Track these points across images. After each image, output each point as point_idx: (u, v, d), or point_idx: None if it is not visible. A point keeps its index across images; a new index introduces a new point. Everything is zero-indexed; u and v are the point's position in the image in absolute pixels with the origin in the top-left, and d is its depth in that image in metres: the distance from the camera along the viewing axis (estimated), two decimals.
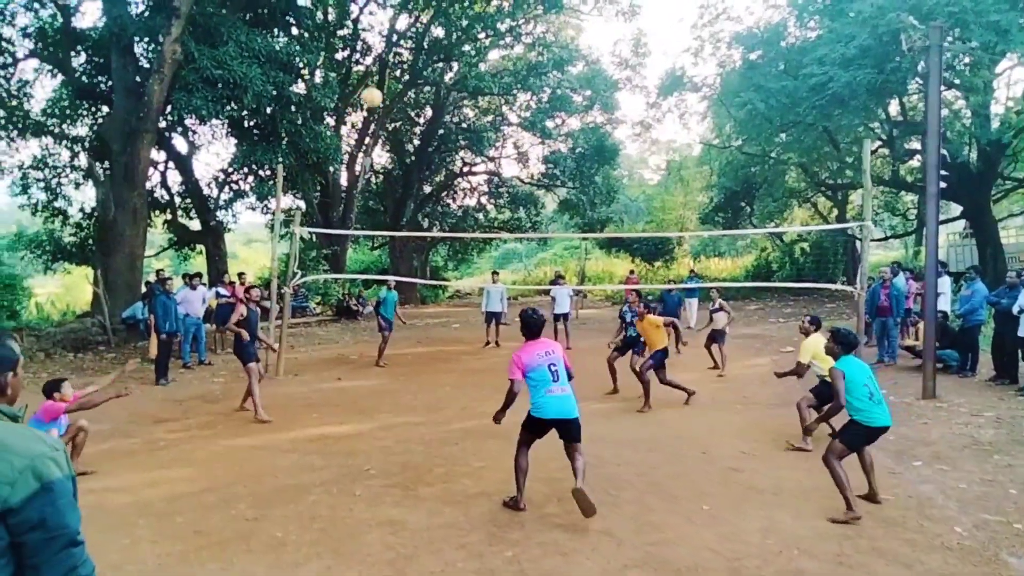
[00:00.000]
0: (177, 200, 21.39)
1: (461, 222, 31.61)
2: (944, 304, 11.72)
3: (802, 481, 6.06)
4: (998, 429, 7.79)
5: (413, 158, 29.32)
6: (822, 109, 17.95)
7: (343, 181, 25.04)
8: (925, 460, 6.77)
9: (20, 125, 18.43)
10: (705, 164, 31.85)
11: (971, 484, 6.04)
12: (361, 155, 25.17)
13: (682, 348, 11.76)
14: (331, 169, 22.65)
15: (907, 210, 30.53)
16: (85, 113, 19.64)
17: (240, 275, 15.36)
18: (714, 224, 29.80)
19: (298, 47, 17.94)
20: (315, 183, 22.90)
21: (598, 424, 8.22)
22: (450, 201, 33.04)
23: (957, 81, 17.68)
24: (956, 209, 23.23)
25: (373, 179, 30.10)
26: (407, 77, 25.56)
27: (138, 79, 16.57)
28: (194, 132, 20.44)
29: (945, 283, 12.14)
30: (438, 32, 24.38)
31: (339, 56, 23.57)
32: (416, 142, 29.93)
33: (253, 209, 21.42)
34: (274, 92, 16.15)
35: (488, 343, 15.38)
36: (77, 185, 20.15)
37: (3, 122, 18.08)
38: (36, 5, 17.82)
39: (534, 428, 5.46)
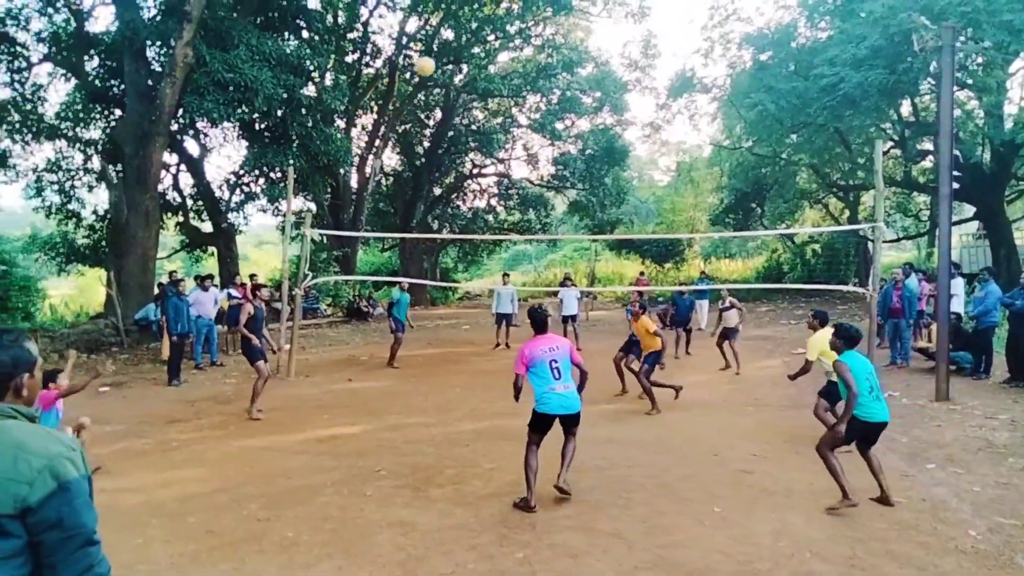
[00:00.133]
0: (189, 202, 21.57)
1: (471, 224, 31.65)
2: (957, 306, 11.63)
3: (813, 483, 6.01)
4: (1013, 432, 7.72)
5: (423, 160, 29.39)
6: (833, 110, 17.86)
7: (353, 183, 25.13)
8: (938, 463, 6.71)
9: (34, 129, 18.66)
10: (715, 165, 31.74)
11: (985, 487, 5.99)
12: (371, 157, 25.27)
13: (692, 351, 11.75)
14: (341, 171, 22.74)
15: (919, 211, 30.32)
16: (98, 117, 19.85)
17: (252, 276, 15.45)
18: (725, 225, 29.68)
19: (308, 50, 18.05)
20: (326, 185, 23.01)
21: (608, 426, 8.21)
22: (460, 203, 33.09)
23: (970, 81, 17.53)
24: (969, 210, 23.05)
25: (383, 181, 30.20)
26: (417, 79, 25.63)
27: (150, 83, 16.72)
28: (205, 135, 20.63)
29: (958, 284, 12.04)
30: (448, 34, 24.46)
31: (349, 59, 23.70)
32: (426, 144, 30.00)
33: (264, 211, 21.61)
34: (285, 95, 16.25)
35: (498, 345, 15.38)
36: (90, 188, 20.37)
37: (18, 126, 18.30)
38: (50, 10, 18.02)
39: (540, 425, 5.61)
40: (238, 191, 20.82)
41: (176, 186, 21.24)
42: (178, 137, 19.28)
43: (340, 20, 22.33)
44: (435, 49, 24.18)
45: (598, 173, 28.65)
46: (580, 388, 5.78)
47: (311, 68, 18.42)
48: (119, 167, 16.88)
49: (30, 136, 18.72)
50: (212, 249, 22.06)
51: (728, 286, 15.60)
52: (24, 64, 18.30)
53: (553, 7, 23.45)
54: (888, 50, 16.04)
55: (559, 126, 29.07)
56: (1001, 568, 4.47)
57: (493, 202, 32.74)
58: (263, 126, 18.74)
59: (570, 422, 5.67)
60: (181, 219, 21.52)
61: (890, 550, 4.72)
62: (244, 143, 20.10)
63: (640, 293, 9.78)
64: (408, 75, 25.89)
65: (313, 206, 23.05)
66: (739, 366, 11.78)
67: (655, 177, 54.08)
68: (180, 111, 16.13)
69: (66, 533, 1.78)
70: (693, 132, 40.59)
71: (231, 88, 15.47)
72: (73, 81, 19.09)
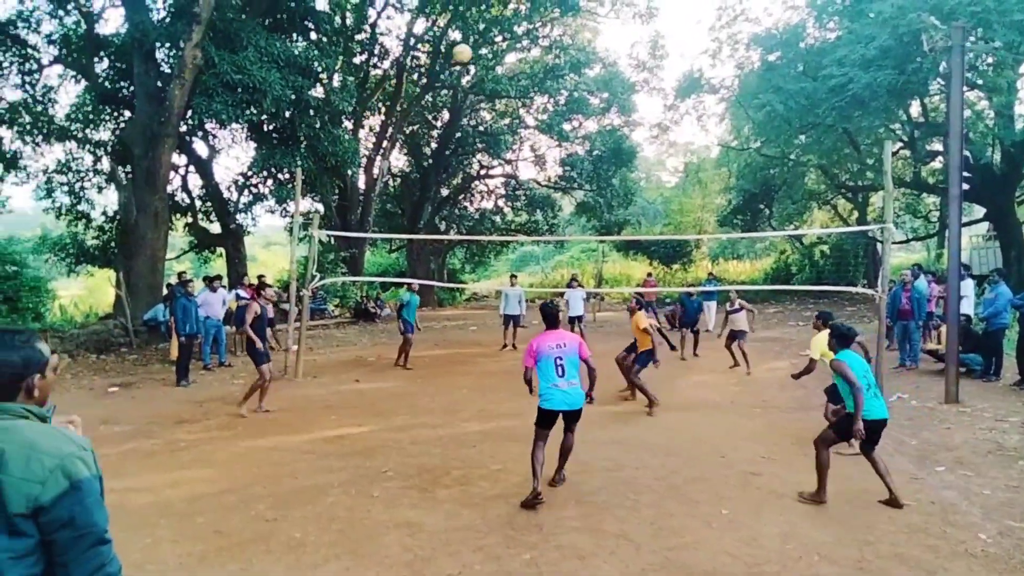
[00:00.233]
0: (198, 203, 21.67)
1: (478, 225, 31.69)
2: (967, 307, 11.54)
3: None
4: (1023, 434, 7.66)
5: (430, 161, 29.44)
6: (842, 111, 17.77)
7: (361, 184, 25.21)
8: (948, 465, 6.67)
9: (45, 130, 18.78)
10: (723, 166, 31.68)
11: (995, 490, 5.95)
12: (379, 158, 25.33)
13: (700, 353, 11.71)
14: (349, 172, 22.83)
15: (929, 212, 30.16)
16: (108, 118, 19.97)
17: (260, 277, 15.50)
18: (732, 226, 29.60)
19: (316, 51, 18.11)
20: (333, 186, 23.10)
21: (616, 427, 8.19)
22: (467, 204, 33.12)
23: (980, 81, 17.42)
24: (979, 211, 22.89)
25: (391, 182, 30.27)
26: (424, 80, 25.71)
27: (159, 84, 16.82)
28: (214, 136, 20.72)
29: (968, 286, 11.96)
30: (455, 35, 24.50)
31: (357, 60, 23.79)
32: (433, 145, 30.06)
33: (272, 212, 21.71)
34: (293, 96, 16.31)
35: (505, 346, 15.38)
36: (100, 189, 20.48)
37: (28, 127, 18.43)
38: (60, 12, 18.16)
39: (544, 421, 5.73)
40: (246, 192, 20.91)
41: (185, 187, 21.34)
42: (187, 138, 19.38)
43: (348, 21, 22.43)
44: (442, 50, 24.24)
45: (605, 174, 28.64)
46: (591, 385, 5.83)
47: (319, 69, 18.48)
48: (128, 168, 16.99)
49: (40, 137, 18.84)
50: (220, 250, 22.16)
51: (736, 287, 15.57)
52: (35, 66, 18.46)
53: (560, 8, 23.47)
54: (897, 50, 15.95)
55: (566, 127, 29.08)
56: (1011, 572, 4.44)
57: (500, 203, 32.79)
58: (271, 127, 18.81)
59: (571, 418, 5.83)
60: (190, 220, 21.62)
61: (899, 553, 4.69)
62: (252, 144, 20.18)
63: (640, 295, 9.75)
64: (416, 76, 25.96)
65: (321, 207, 23.15)
66: (749, 366, 11.74)
67: (663, 178, 54.03)
68: (189, 112, 16.21)
69: (78, 532, 1.79)
70: (701, 133, 40.76)
71: (240, 89, 15.54)
72: (83, 83, 19.22)
